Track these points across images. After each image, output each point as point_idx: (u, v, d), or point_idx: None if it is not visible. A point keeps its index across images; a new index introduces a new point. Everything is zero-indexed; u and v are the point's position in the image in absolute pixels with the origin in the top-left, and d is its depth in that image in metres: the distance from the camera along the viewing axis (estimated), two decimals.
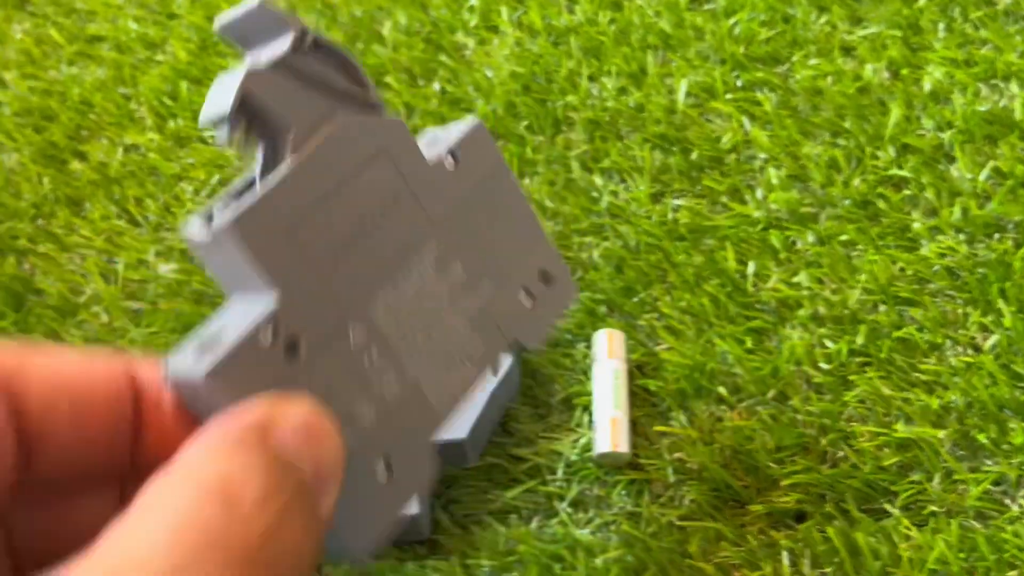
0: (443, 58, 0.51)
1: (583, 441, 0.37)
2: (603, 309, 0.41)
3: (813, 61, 0.48)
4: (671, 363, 0.38)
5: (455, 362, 0.28)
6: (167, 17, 0.56)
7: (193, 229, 0.24)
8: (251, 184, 0.25)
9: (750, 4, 0.50)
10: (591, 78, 0.49)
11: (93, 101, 0.51)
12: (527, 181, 0.46)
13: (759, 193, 0.44)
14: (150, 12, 0.56)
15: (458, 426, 0.35)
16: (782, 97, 0.47)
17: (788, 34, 0.49)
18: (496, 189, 0.30)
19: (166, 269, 0.44)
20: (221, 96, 0.25)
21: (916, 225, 0.41)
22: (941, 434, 0.35)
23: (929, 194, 0.42)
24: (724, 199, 0.44)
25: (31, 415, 0.22)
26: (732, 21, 0.50)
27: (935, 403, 0.36)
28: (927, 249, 0.40)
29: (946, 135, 0.44)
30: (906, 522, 0.34)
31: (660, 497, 0.36)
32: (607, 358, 0.38)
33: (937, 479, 0.34)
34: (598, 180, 0.45)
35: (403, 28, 0.53)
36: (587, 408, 0.38)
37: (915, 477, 0.34)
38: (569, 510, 0.36)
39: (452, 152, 0.29)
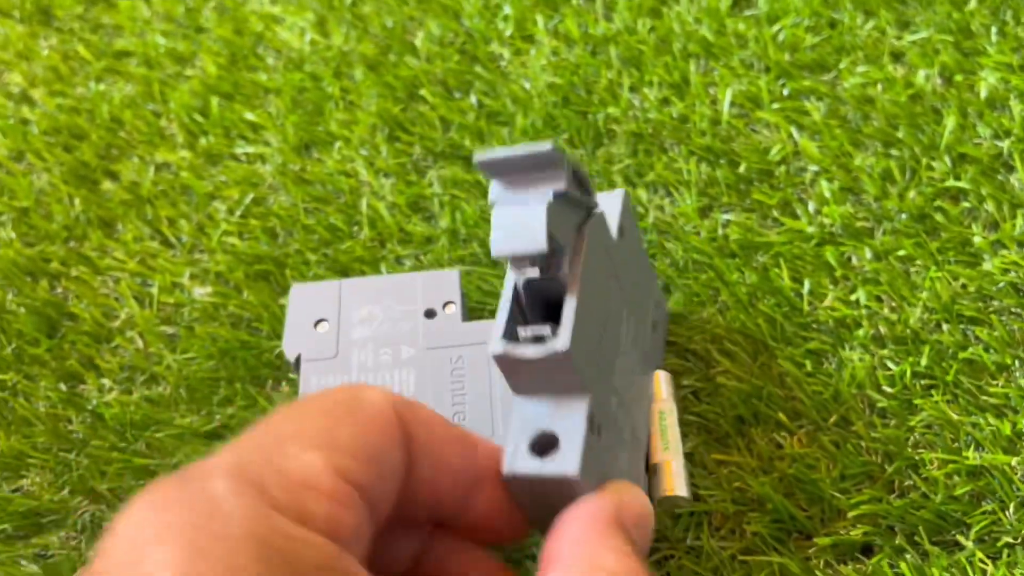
0: (478, 69, 0.50)
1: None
2: None
3: (861, 68, 0.46)
4: (727, 388, 0.37)
5: (641, 395, 0.33)
6: (195, 31, 0.55)
7: (509, 349, 0.27)
8: (518, 299, 0.29)
9: (794, 9, 0.49)
10: (632, 88, 0.48)
11: (123, 118, 0.50)
12: None
13: (811, 207, 0.42)
14: (178, 26, 0.55)
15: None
16: (831, 106, 0.45)
17: (834, 40, 0.48)
18: (632, 242, 0.34)
19: (201, 292, 0.43)
20: (528, 234, 0.27)
21: (977, 239, 0.40)
22: (1014, 461, 0.34)
23: (989, 206, 0.40)
24: (775, 213, 0.42)
25: (413, 459, 0.26)
26: (776, 27, 0.49)
27: (1007, 428, 0.34)
28: (990, 264, 0.39)
29: (1004, 143, 0.42)
30: (980, 555, 0.32)
31: (720, 530, 0.34)
32: (656, 399, 0.36)
33: (1011, 508, 0.33)
34: (643, 195, 0.44)
35: (436, 39, 0.51)
36: None
37: (988, 507, 0.33)
38: None
39: (620, 227, 0.32)
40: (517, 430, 0.28)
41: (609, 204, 0.33)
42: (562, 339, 0.27)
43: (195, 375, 0.40)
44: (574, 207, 0.29)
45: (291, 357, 0.38)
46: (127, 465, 0.38)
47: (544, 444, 0.27)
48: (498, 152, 0.27)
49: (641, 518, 0.27)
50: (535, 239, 0.27)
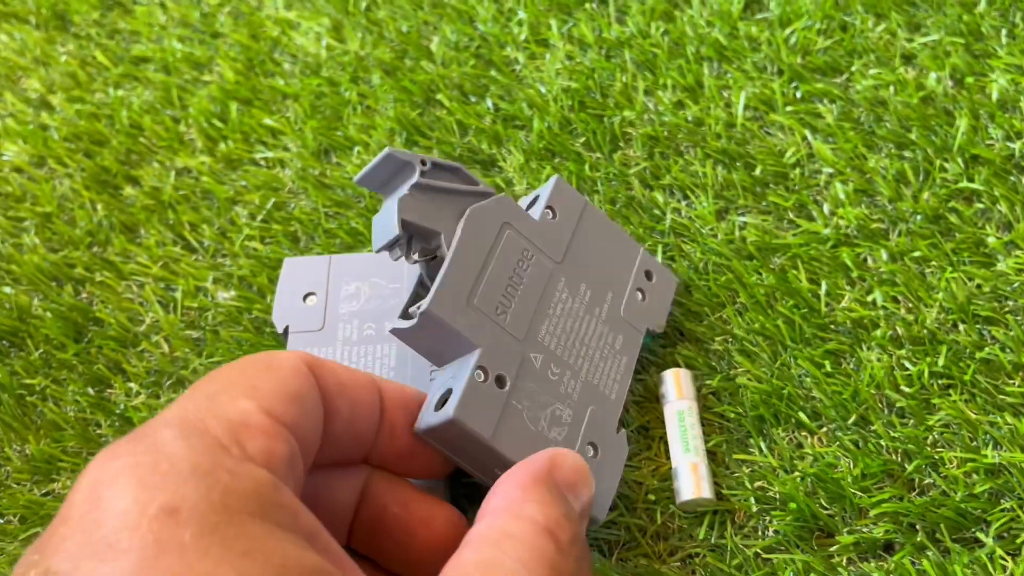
0: (494, 73, 0.50)
1: (663, 470, 0.37)
2: (675, 333, 0.40)
3: (873, 71, 0.47)
4: (747, 388, 0.38)
5: (608, 357, 0.36)
6: (211, 36, 0.55)
7: (400, 324, 0.33)
8: (421, 282, 0.36)
9: (805, 12, 0.49)
10: (647, 92, 0.48)
11: (142, 124, 0.51)
12: (587, 198, 0.45)
13: (826, 208, 0.43)
14: (195, 31, 0.55)
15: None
16: (843, 108, 0.46)
17: (846, 43, 0.48)
18: (590, 222, 0.39)
19: (225, 296, 0.44)
20: (386, 225, 0.34)
21: (991, 240, 0.40)
22: None
23: (1003, 207, 0.41)
24: (791, 215, 0.43)
25: (327, 400, 0.29)
26: (788, 31, 0.49)
27: (1023, 427, 0.35)
28: (1004, 265, 0.39)
29: (1016, 145, 0.43)
30: (1000, 551, 0.33)
31: (743, 528, 0.35)
32: (676, 399, 0.37)
33: None
34: (659, 197, 0.44)
35: (452, 44, 0.52)
36: (663, 439, 0.37)
37: (1007, 504, 0.34)
38: (651, 543, 0.35)
39: (549, 207, 0.38)
40: (431, 393, 0.33)
41: (541, 191, 0.39)
42: (425, 302, 0.32)
43: None
44: (450, 197, 0.35)
45: (280, 328, 0.40)
46: None
47: (444, 399, 0.32)
48: (363, 170, 0.35)
49: (575, 476, 0.29)
50: (390, 229, 0.34)
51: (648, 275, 0.39)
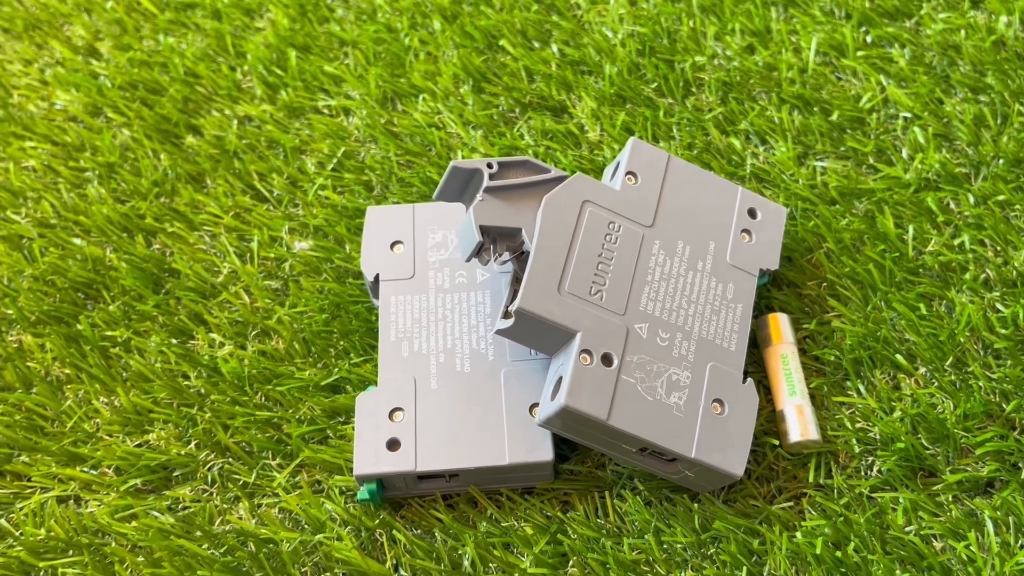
0: (556, 18, 0.50)
1: (764, 413, 0.37)
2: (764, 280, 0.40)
3: (943, 15, 0.47)
4: (843, 332, 0.38)
5: (720, 309, 0.36)
6: None
7: (502, 324, 0.34)
8: (516, 278, 0.36)
9: None
10: (715, 37, 0.48)
11: (198, 72, 0.50)
12: (663, 144, 0.45)
13: (905, 153, 0.43)
14: None
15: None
16: (915, 53, 0.46)
17: None
18: (677, 176, 0.38)
19: (302, 246, 0.43)
20: (467, 235, 0.35)
21: None
22: None
23: None
24: (871, 160, 0.43)
25: None
26: None
27: None
28: None
29: None
30: None
31: (847, 468, 0.36)
32: (776, 343, 0.37)
33: None
34: (736, 143, 0.44)
35: None
36: (762, 383, 0.38)
37: None
38: (757, 485, 0.36)
39: (630, 172, 0.38)
40: (547, 384, 0.34)
41: (620, 157, 0.39)
42: (516, 303, 0.33)
43: (309, 328, 0.40)
44: (525, 191, 0.36)
45: (369, 276, 0.40)
46: (251, 419, 0.39)
47: (557, 388, 0.33)
48: (438, 186, 0.37)
49: None
50: (471, 237, 0.35)
51: (752, 213, 0.38)
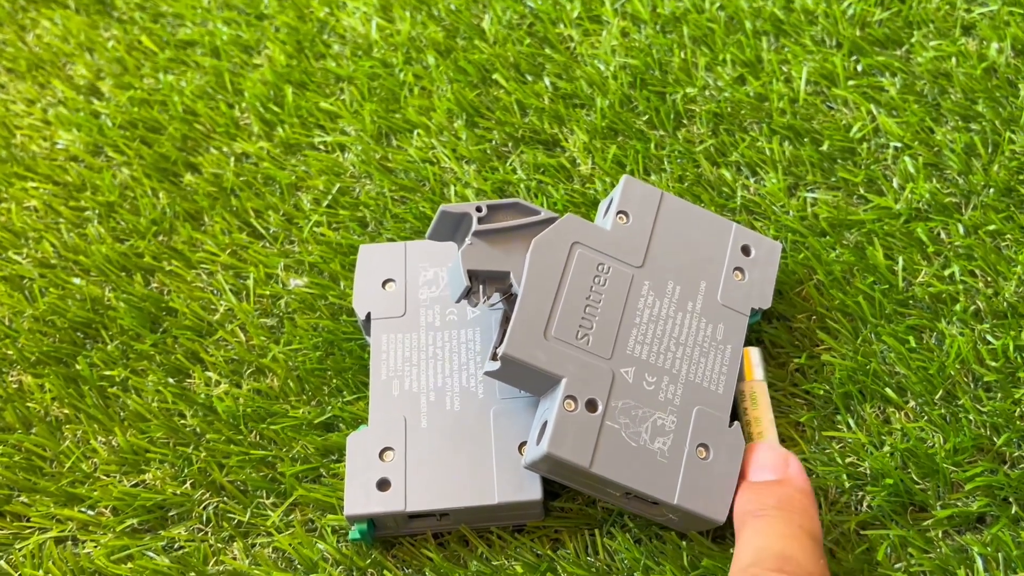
0: (549, 51, 0.50)
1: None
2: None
3: (933, 42, 0.47)
4: (832, 365, 0.38)
5: (709, 351, 0.36)
6: (256, 18, 0.55)
7: (490, 367, 0.34)
8: (507, 318, 0.36)
9: None
10: (707, 68, 0.48)
11: (197, 110, 0.51)
12: (654, 178, 0.45)
13: (895, 183, 0.43)
14: (240, 14, 0.55)
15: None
16: (906, 81, 0.46)
17: (903, 14, 0.48)
18: (669, 214, 0.38)
19: (297, 283, 0.44)
20: (455, 278, 0.36)
21: None
22: None
23: None
24: (861, 191, 0.43)
25: None
26: (845, 3, 0.49)
27: None
28: None
29: None
30: None
31: (836, 504, 0.36)
32: (745, 379, 0.37)
33: None
34: (727, 174, 0.44)
35: (504, 22, 0.52)
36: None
37: None
38: None
39: (621, 212, 0.38)
40: (534, 427, 0.34)
41: (612, 195, 0.38)
42: (501, 349, 0.34)
43: (303, 366, 0.41)
44: (514, 233, 0.36)
45: (361, 314, 0.40)
46: (245, 458, 0.39)
47: (542, 432, 0.33)
48: (430, 228, 0.37)
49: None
50: (459, 281, 0.35)
51: (746, 250, 0.38)
